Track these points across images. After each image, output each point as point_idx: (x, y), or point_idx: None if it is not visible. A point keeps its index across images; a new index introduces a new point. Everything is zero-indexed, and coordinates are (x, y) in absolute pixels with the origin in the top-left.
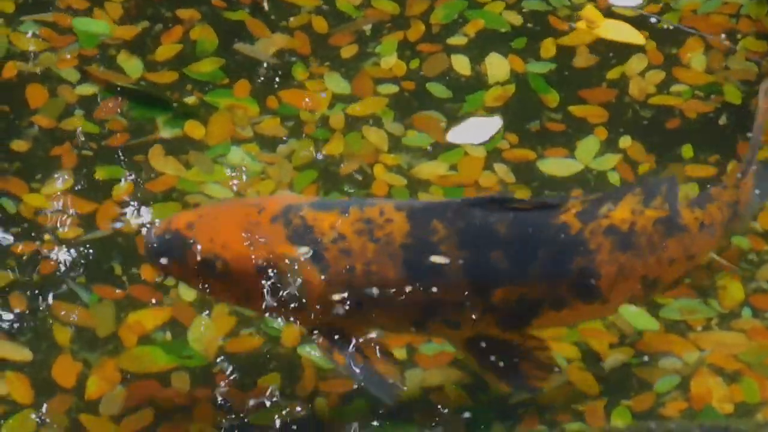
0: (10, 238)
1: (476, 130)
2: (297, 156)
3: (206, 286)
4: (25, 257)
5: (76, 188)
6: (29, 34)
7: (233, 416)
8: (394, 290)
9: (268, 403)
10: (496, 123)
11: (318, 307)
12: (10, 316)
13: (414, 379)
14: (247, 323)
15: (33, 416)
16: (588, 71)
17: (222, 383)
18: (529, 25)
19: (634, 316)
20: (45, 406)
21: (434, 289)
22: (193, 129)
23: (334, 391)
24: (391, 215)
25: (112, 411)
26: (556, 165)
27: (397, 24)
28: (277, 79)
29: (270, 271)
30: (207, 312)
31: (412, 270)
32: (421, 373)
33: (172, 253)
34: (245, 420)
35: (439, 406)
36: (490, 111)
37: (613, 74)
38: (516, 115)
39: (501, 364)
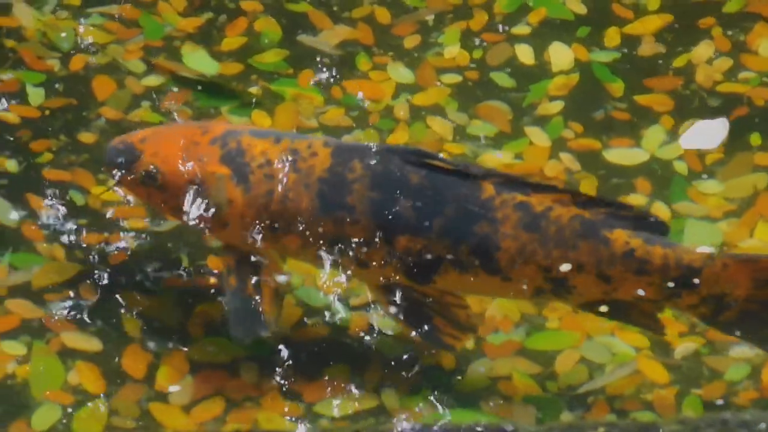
0: (79, 230)
1: (706, 134)
2: None
3: (146, 194)
4: (93, 248)
5: None
6: (95, 27)
7: (301, 405)
8: (306, 219)
9: (335, 393)
10: (723, 125)
11: (236, 224)
12: (81, 307)
13: (481, 369)
14: (314, 313)
15: (104, 406)
16: (653, 59)
17: (290, 373)
18: (593, 13)
19: None
20: (115, 395)
21: (343, 225)
22: (259, 119)
23: (401, 380)
24: (317, 150)
25: (182, 401)
26: (621, 154)
27: (459, 13)
28: (341, 70)
29: (199, 186)
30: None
31: (324, 202)
32: (488, 362)
33: (122, 161)
34: (313, 409)
35: (508, 396)
36: (554, 100)
37: (679, 62)
38: (580, 104)
39: (414, 314)
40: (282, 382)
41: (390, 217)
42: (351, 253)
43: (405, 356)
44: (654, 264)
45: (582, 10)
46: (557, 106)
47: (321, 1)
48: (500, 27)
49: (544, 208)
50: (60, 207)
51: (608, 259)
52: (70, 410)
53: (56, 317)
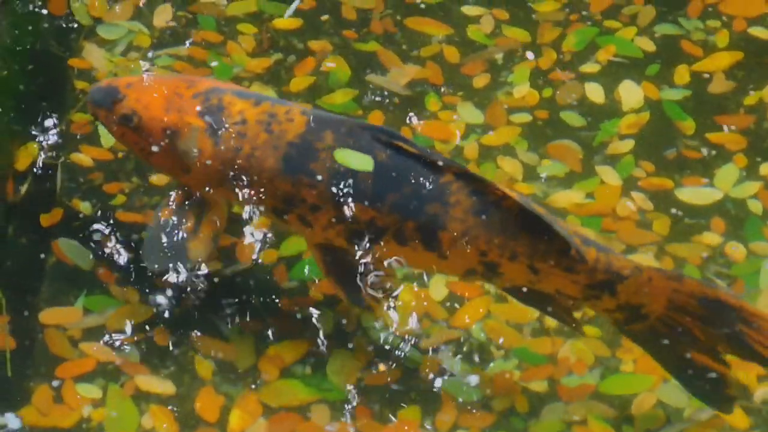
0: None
1: None
2: None
3: (122, 135)
4: (166, 291)
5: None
6: (165, 68)
7: None
8: (266, 177)
9: None
10: None
11: (199, 172)
12: (154, 350)
13: (556, 412)
14: (385, 356)
15: None
16: (724, 97)
17: (361, 415)
18: (662, 51)
19: None
20: None
21: (298, 187)
22: None
23: (474, 424)
24: (294, 116)
25: None
26: (694, 193)
27: (529, 52)
28: (410, 110)
29: (173, 134)
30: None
31: (287, 165)
32: (563, 406)
33: (104, 101)
34: None
35: None
36: (624, 139)
37: (750, 100)
38: (651, 142)
39: (342, 275)
40: (354, 424)
41: (347, 187)
42: (301, 213)
43: (477, 398)
44: (584, 264)
45: (651, 47)
46: (628, 144)
47: (390, 40)
48: (569, 66)
49: (496, 198)
50: (133, 250)
51: (543, 253)
52: None
53: (130, 360)
